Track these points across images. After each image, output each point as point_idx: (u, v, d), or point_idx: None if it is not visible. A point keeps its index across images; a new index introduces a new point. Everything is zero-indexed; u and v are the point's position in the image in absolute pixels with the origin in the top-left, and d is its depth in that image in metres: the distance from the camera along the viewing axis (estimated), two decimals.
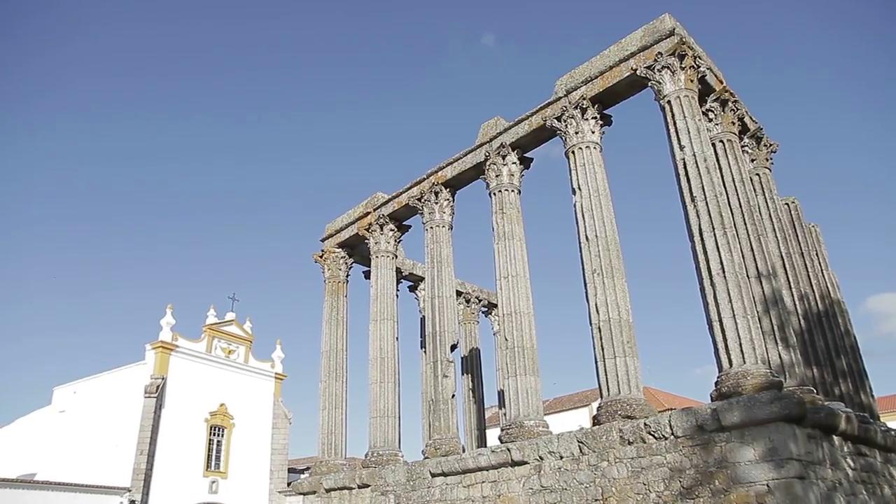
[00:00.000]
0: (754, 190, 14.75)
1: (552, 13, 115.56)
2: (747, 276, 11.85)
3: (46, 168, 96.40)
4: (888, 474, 12.51)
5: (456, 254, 17.76)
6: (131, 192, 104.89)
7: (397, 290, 19.99)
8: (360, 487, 16.30)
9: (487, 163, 16.27)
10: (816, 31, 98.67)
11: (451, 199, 17.87)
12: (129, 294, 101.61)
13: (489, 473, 13.11)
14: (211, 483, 33.50)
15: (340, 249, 20.87)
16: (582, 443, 11.61)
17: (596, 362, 12.59)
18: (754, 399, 9.60)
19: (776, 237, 14.54)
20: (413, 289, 23.13)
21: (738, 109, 14.75)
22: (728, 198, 12.43)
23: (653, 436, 10.65)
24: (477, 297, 24.09)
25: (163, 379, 32.55)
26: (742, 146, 15.06)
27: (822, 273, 15.86)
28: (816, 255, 16.06)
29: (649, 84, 13.36)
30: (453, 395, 16.14)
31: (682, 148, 12.43)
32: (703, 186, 11.94)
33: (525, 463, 12.46)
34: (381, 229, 19.32)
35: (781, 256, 14.49)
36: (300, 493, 18.81)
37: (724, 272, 11.23)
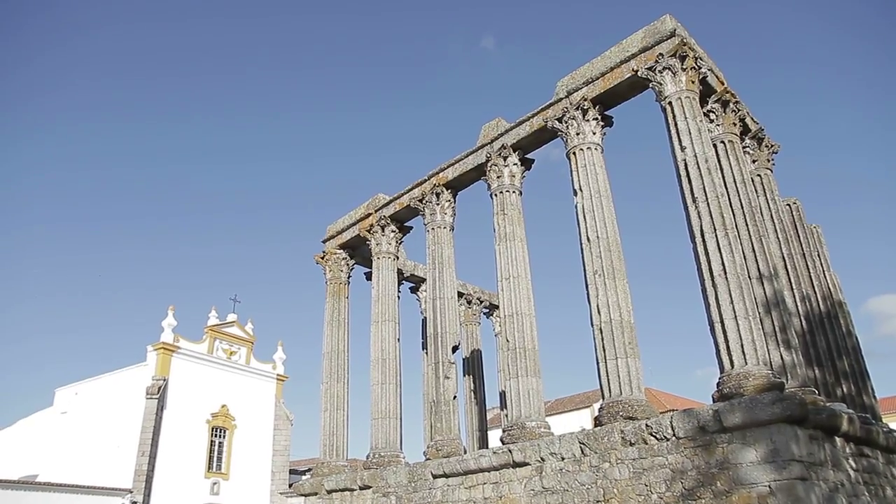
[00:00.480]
0: (756, 191, 14.74)
1: (551, 15, 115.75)
2: (749, 277, 11.84)
3: (47, 169, 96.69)
4: (890, 475, 12.49)
5: (457, 255, 17.80)
6: (132, 193, 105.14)
7: (399, 291, 20.01)
8: (361, 489, 16.30)
9: (489, 164, 16.28)
10: (817, 32, 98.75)
11: (452, 200, 17.88)
12: (130, 295, 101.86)
13: (491, 475, 13.10)
14: (212, 484, 33.53)
15: (342, 251, 20.88)
16: (583, 444, 11.60)
17: (597, 363, 12.59)
18: (756, 400, 9.59)
19: (778, 238, 14.53)
20: (414, 290, 23.13)
21: (739, 110, 14.75)
22: (729, 199, 12.42)
23: (654, 437, 10.64)
24: (478, 299, 24.10)
25: (164, 380, 32.60)
26: (743, 147, 15.05)
27: (824, 274, 15.84)
28: (818, 255, 16.05)
29: (650, 85, 13.36)
30: (455, 397, 16.14)
31: (683, 149, 12.43)
32: (704, 187, 11.93)
33: (527, 464, 12.46)
34: (383, 230, 19.33)
35: (783, 257, 14.47)
36: (301, 495, 18.83)
37: (725, 273, 11.22)
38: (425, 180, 18.17)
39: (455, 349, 16.54)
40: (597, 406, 15.09)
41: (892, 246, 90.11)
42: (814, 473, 9.41)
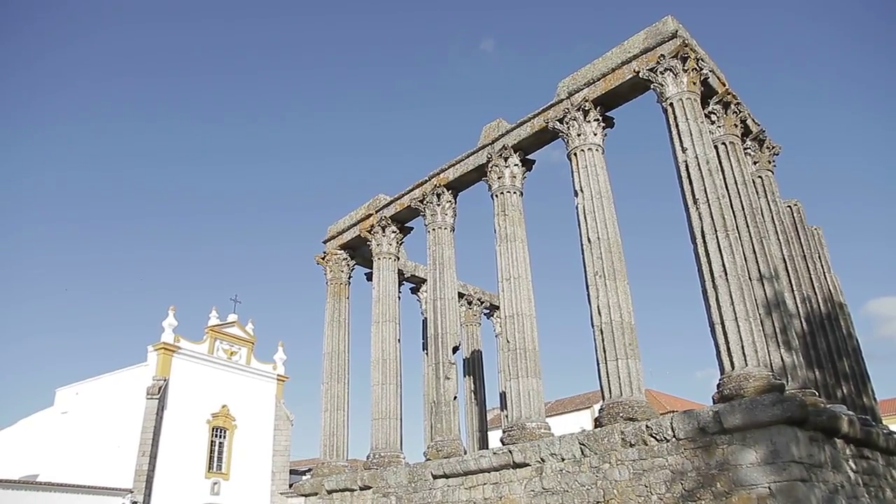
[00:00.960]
0: (757, 192, 14.74)
1: (551, 17, 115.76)
2: (749, 278, 11.85)
3: (48, 169, 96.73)
4: (890, 477, 12.49)
5: (458, 256, 17.80)
6: (133, 194, 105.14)
7: (399, 292, 20.02)
8: (361, 489, 16.31)
9: (489, 165, 16.28)
10: (818, 34, 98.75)
11: (452, 200, 17.89)
12: (131, 295, 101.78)
13: (491, 475, 13.11)
14: (213, 484, 33.54)
15: (342, 251, 20.90)
16: (583, 445, 11.61)
17: (598, 364, 12.60)
18: (756, 401, 9.59)
19: (778, 240, 14.53)
20: (415, 291, 23.14)
21: (740, 112, 14.75)
22: (730, 200, 12.42)
23: (654, 438, 10.65)
24: (479, 299, 24.11)
25: (165, 380, 32.62)
26: (744, 148, 15.05)
27: (825, 276, 15.84)
28: (819, 257, 16.05)
29: (652, 86, 13.37)
30: (455, 397, 16.15)
31: (684, 150, 12.43)
32: (705, 189, 11.93)
33: (527, 465, 12.47)
34: (383, 231, 19.34)
35: (784, 259, 14.47)
36: (302, 495, 18.85)
37: (726, 274, 11.22)
38: (426, 181, 18.18)
39: (455, 350, 16.55)
40: (597, 407, 15.09)
41: (892, 248, 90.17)
42: (814, 475, 9.41)
